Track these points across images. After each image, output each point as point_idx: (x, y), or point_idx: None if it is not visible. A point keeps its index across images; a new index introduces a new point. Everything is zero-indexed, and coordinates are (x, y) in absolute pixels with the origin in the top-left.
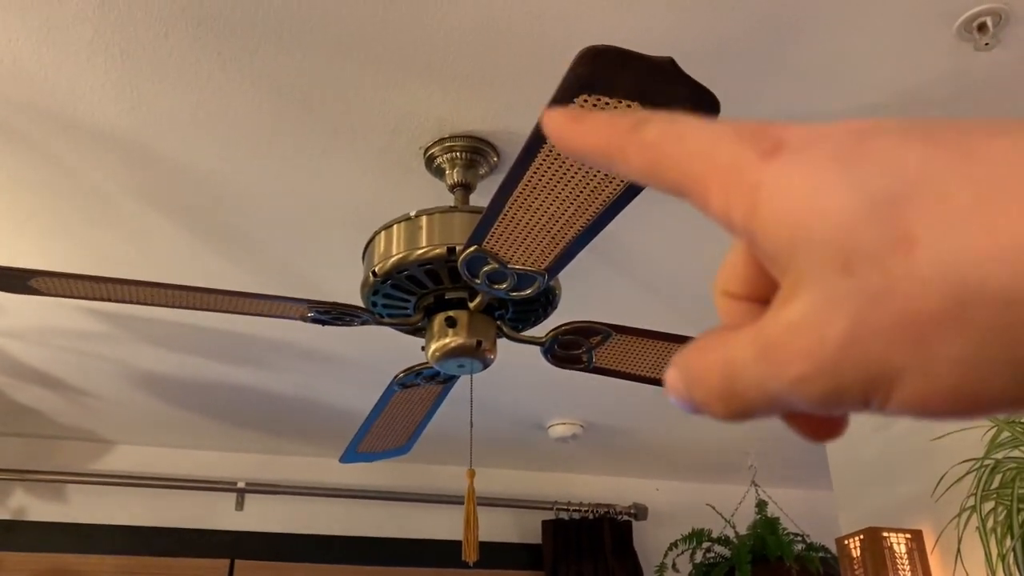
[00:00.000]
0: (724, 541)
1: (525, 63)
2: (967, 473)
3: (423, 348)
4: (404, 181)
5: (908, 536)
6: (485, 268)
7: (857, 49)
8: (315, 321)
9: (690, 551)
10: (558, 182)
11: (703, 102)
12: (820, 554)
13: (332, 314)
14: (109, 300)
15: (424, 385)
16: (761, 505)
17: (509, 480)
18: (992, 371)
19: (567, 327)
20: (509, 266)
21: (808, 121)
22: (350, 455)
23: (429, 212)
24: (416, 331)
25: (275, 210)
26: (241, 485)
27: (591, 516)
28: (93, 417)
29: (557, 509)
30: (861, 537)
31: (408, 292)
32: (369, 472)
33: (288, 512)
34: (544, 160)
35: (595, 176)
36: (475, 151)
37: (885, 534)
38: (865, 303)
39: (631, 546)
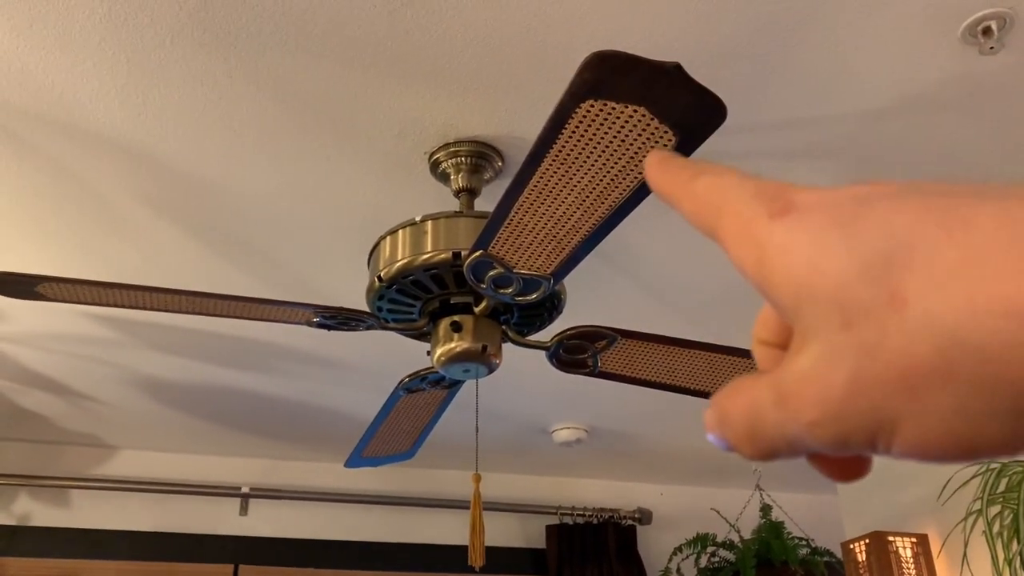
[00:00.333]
0: (729, 546)
1: (530, 68)
2: (973, 477)
3: (428, 353)
4: (409, 186)
5: (914, 540)
6: (491, 273)
7: (862, 53)
8: (320, 326)
9: (695, 556)
10: (564, 187)
11: (709, 106)
12: (825, 558)
13: (337, 319)
14: (115, 306)
15: (429, 390)
16: (766, 509)
17: (513, 485)
18: (980, 420)
19: (572, 331)
20: (515, 271)
21: (814, 125)
22: (355, 460)
23: (434, 217)
24: (421, 336)
25: (280, 215)
26: (245, 490)
27: (595, 521)
28: (97, 422)
29: (561, 514)
30: (867, 541)
31: (413, 297)
32: (374, 477)
33: (292, 517)
34: (549, 165)
35: (600, 181)
36: (480, 156)
37: (891, 538)
38: (863, 356)
39: (635, 551)
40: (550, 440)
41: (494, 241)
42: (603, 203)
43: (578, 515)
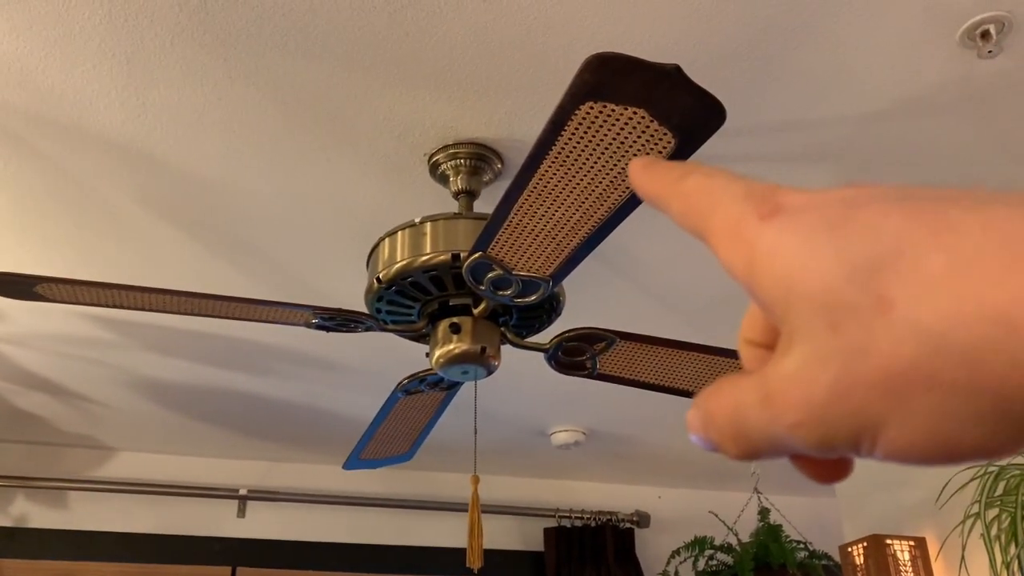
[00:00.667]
0: (727, 549)
1: (530, 70)
2: (971, 480)
3: (427, 355)
4: (408, 188)
5: (912, 543)
6: (490, 274)
7: (861, 56)
8: (319, 327)
9: (693, 559)
10: (563, 189)
11: (709, 109)
12: (823, 562)
13: (336, 320)
14: (113, 306)
15: (428, 392)
16: (764, 512)
17: (511, 487)
18: (964, 424)
19: (571, 333)
20: (514, 272)
21: (813, 127)
22: (353, 462)
23: (433, 219)
24: (420, 337)
25: (280, 216)
26: (243, 492)
27: (593, 523)
28: (95, 424)
29: (559, 516)
30: (865, 544)
31: (412, 298)
32: (372, 479)
33: (290, 519)
34: (549, 166)
35: (600, 183)
36: (479, 158)
37: (889, 541)
38: (849, 358)
39: (633, 554)
40: (548, 442)
41: (493, 243)
42: (602, 205)
43: (576, 518)
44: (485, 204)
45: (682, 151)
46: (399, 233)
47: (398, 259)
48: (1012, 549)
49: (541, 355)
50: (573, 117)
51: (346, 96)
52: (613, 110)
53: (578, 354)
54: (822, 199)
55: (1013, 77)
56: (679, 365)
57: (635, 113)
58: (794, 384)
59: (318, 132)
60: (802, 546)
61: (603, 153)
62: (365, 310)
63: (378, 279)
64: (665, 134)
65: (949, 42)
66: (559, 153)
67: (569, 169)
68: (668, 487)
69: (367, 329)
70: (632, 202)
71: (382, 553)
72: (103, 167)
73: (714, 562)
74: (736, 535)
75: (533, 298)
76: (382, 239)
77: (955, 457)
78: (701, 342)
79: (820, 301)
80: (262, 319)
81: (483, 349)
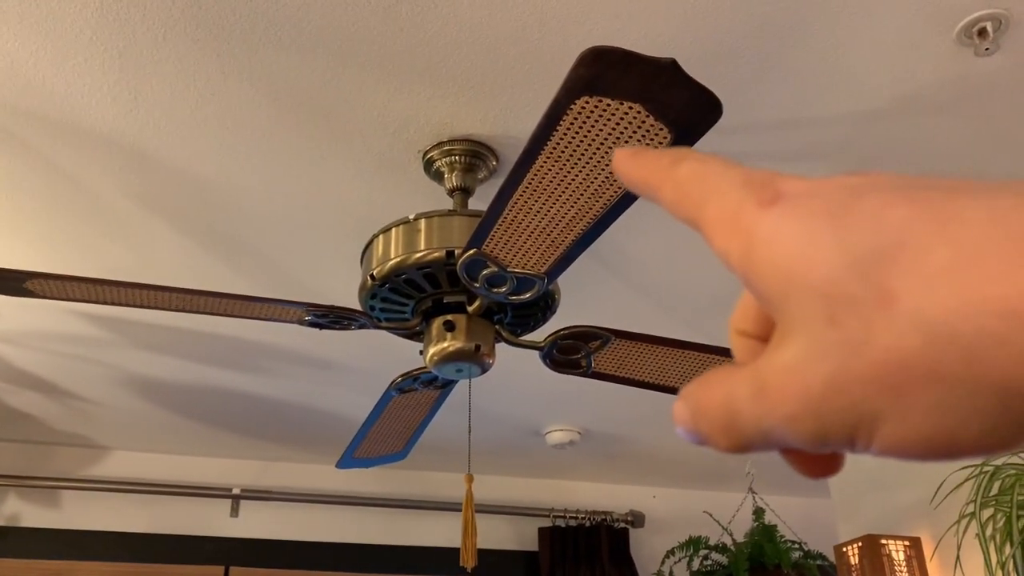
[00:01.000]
0: (721, 549)
1: (525, 67)
2: (966, 480)
3: (421, 352)
4: (403, 185)
5: (907, 543)
6: (484, 272)
7: (857, 53)
8: (312, 325)
9: (687, 559)
10: (558, 184)
11: (705, 103)
12: (818, 562)
13: (329, 318)
14: (104, 303)
15: (422, 390)
16: (759, 512)
17: (506, 487)
18: (963, 419)
19: (566, 331)
20: (508, 270)
21: (809, 125)
22: (347, 461)
23: (428, 215)
24: (414, 335)
25: (273, 213)
26: (236, 491)
27: (588, 523)
28: (87, 422)
29: (554, 516)
30: (859, 544)
31: (406, 296)
32: (366, 478)
33: (283, 519)
34: (544, 162)
35: (594, 180)
36: (474, 155)
37: (883, 541)
38: (848, 352)
39: (628, 554)
40: (543, 442)
41: (488, 239)
42: (598, 201)
43: (571, 517)
44: (480, 201)
45: (678, 146)
46: (393, 230)
47: (392, 256)
48: (1007, 549)
49: (536, 353)
50: (568, 112)
51: (340, 92)
52: (609, 105)
53: (573, 352)
54: (823, 187)
55: (1010, 75)
56: (674, 364)
57: (631, 108)
58: (790, 376)
59: (312, 128)
60: (797, 546)
61: (598, 149)
62: (359, 307)
63: (372, 276)
64: (661, 129)
65: (946, 40)
66: (554, 149)
67: (564, 165)
68: (663, 487)
69: (361, 327)
70: (628, 199)
71: (376, 552)
72: (95, 162)
73: (709, 562)
74: (731, 535)
75: (528, 295)
76: (376, 236)
77: (953, 453)
78: (697, 341)
79: (820, 292)
80: (255, 316)
81: (477, 347)
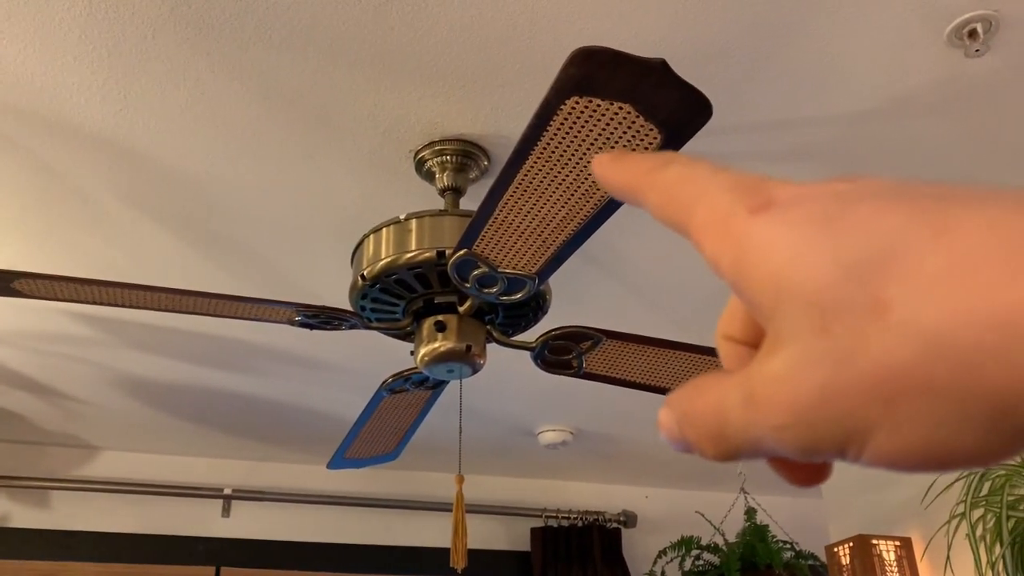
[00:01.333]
0: (713, 549)
1: (516, 66)
2: (956, 480)
3: (412, 353)
4: (394, 184)
5: (897, 543)
6: (475, 272)
7: (848, 54)
8: (303, 325)
9: (679, 559)
10: (548, 186)
11: (695, 104)
12: (809, 562)
13: (320, 318)
14: (93, 303)
15: (413, 390)
16: (750, 513)
17: (498, 487)
18: (956, 431)
19: (557, 332)
20: (499, 270)
21: (800, 126)
22: (337, 461)
23: (419, 215)
24: (405, 336)
25: (263, 212)
26: (227, 492)
27: (580, 523)
28: (78, 422)
29: (546, 516)
30: (850, 544)
31: (397, 296)
32: (357, 479)
33: (275, 519)
34: (534, 162)
35: (585, 180)
36: (466, 155)
37: (874, 541)
38: (840, 362)
39: (620, 554)
40: (535, 442)
41: (478, 240)
42: (588, 202)
43: (563, 518)
44: (471, 201)
45: (668, 147)
46: (384, 230)
47: (383, 256)
48: (997, 549)
49: (527, 354)
50: (559, 112)
51: (331, 91)
52: (599, 105)
53: (564, 353)
54: (815, 192)
55: (1001, 76)
56: (666, 364)
57: (621, 108)
58: (780, 386)
59: (302, 127)
60: (788, 546)
61: (589, 149)
62: (349, 308)
63: (362, 276)
64: (651, 130)
65: (937, 41)
66: (544, 149)
67: (555, 165)
68: (655, 487)
69: (351, 327)
70: (617, 201)
71: (367, 553)
72: (84, 161)
73: (701, 562)
74: (723, 535)
75: (519, 296)
76: (367, 236)
77: (944, 464)
78: (688, 341)
79: (812, 300)
80: (245, 316)
81: (468, 347)
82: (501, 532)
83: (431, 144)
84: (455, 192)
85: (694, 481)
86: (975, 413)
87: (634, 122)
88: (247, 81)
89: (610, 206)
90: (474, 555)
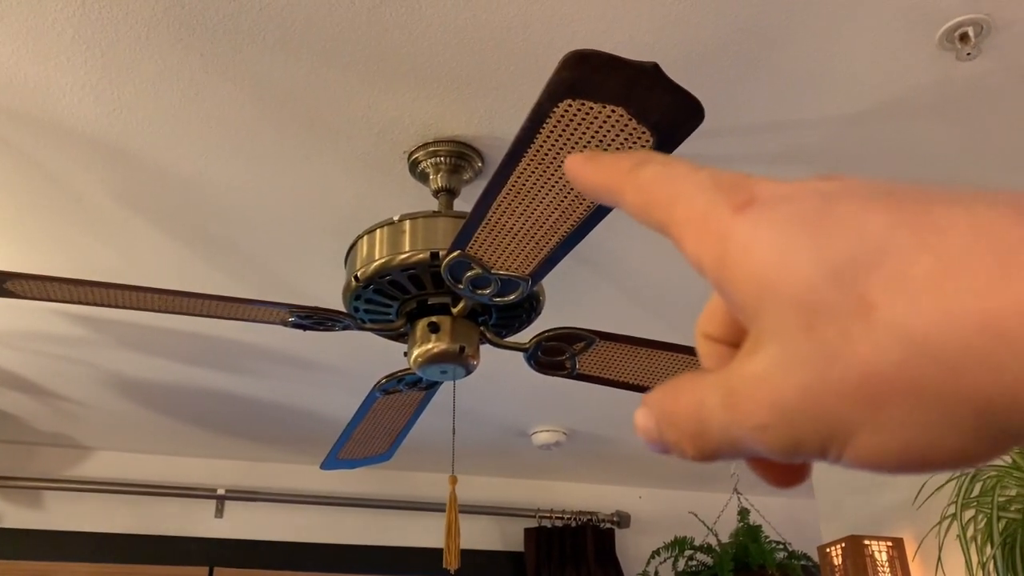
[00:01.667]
0: (707, 549)
1: (510, 68)
2: (948, 481)
3: (405, 354)
4: (388, 186)
5: (889, 544)
6: (468, 273)
7: (841, 57)
8: (296, 326)
9: (672, 559)
10: (542, 187)
11: (687, 107)
12: (802, 562)
13: (313, 319)
14: (87, 303)
15: (406, 391)
16: (743, 513)
17: (492, 488)
18: (940, 434)
19: (551, 333)
20: (493, 271)
21: (792, 128)
22: (331, 462)
23: (412, 217)
24: (398, 336)
25: (257, 213)
26: (221, 492)
27: (574, 524)
28: (71, 423)
29: (540, 517)
30: (843, 545)
31: (390, 297)
32: (350, 479)
33: (268, 519)
34: (528, 165)
35: None
36: (459, 156)
37: (866, 542)
38: (824, 362)
39: (614, 554)
40: (529, 443)
41: (472, 241)
42: (581, 204)
43: (556, 518)
44: (465, 202)
45: (661, 150)
46: (378, 231)
47: (376, 257)
48: (988, 550)
49: (521, 355)
50: (551, 115)
51: (325, 92)
52: (591, 108)
53: (557, 354)
54: (797, 191)
55: (991, 79)
56: (659, 365)
57: (613, 111)
58: (762, 386)
59: (296, 128)
60: (781, 547)
61: (582, 151)
62: (343, 308)
63: (356, 277)
64: (644, 132)
65: (928, 44)
66: (537, 151)
67: (548, 167)
68: (649, 487)
69: (345, 328)
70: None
71: (360, 553)
72: (77, 161)
73: (694, 563)
74: (716, 536)
75: (512, 297)
76: (360, 237)
77: (926, 466)
78: (681, 342)
79: (797, 301)
80: (239, 317)
81: (462, 348)
82: (495, 532)
83: (425, 145)
84: (449, 193)
85: (687, 481)
86: (960, 416)
87: (627, 125)
88: (241, 82)
89: (603, 208)
90: (468, 555)
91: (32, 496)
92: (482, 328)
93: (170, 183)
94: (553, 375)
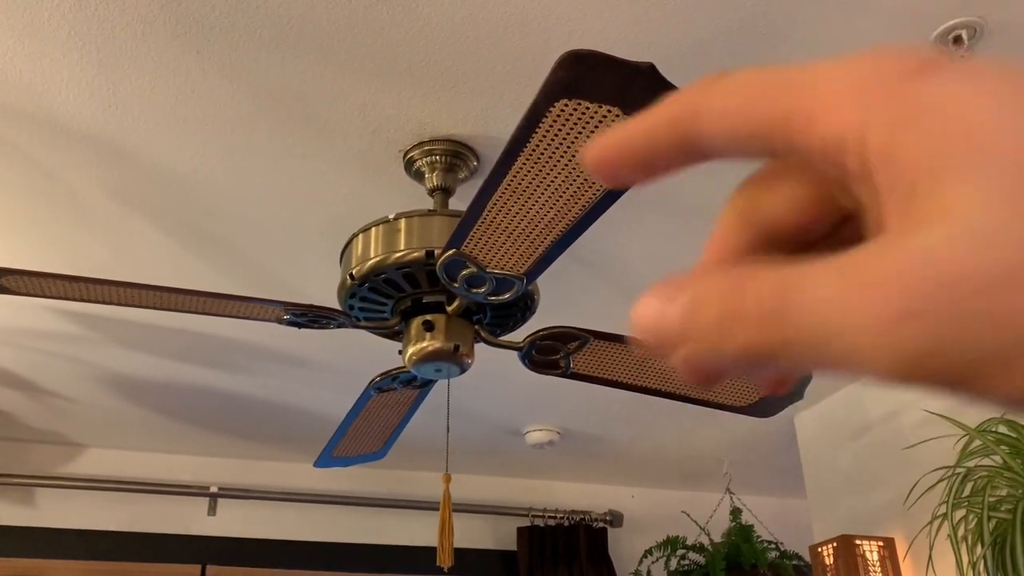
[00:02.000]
0: (699, 548)
1: (506, 68)
2: (939, 481)
3: (400, 352)
4: (383, 184)
5: (880, 544)
6: (464, 272)
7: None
8: (291, 323)
9: (665, 558)
10: (537, 186)
11: None
12: (794, 562)
13: (308, 316)
14: (81, 300)
15: (401, 389)
16: (736, 513)
17: (485, 487)
18: None
19: (545, 332)
20: (488, 270)
21: None
22: (325, 459)
23: (408, 215)
24: (393, 335)
25: (252, 211)
26: (214, 490)
27: (567, 523)
28: (63, 420)
29: (532, 516)
30: (834, 545)
31: (385, 295)
32: (344, 477)
33: (261, 518)
34: (523, 164)
35: (574, 181)
36: (455, 155)
37: (858, 542)
38: None
39: (606, 553)
40: (523, 442)
41: (467, 240)
42: (576, 203)
43: (549, 517)
44: (460, 201)
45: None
46: (373, 229)
47: (372, 256)
48: (978, 550)
49: (515, 354)
50: (547, 114)
51: (321, 90)
52: (587, 108)
53: (552, 353)
54: (974, 65)
55: None
56: (652, 364)
57: (609, 111)
58: (931, 261)
59: (292, 126)
60: (773, 546)
61: (577, 151)
62: (338, 307)
63: (351, 275)
64: None
65: (923, 47)
66: (533, 151)
67: (543, 167)
68: (641, 487)
69: (339, 326)
70: (606, 201)
71: (354, 552)
72: (72, 158)
73: (686, 562)
74: (708, 535)
75: (507, 296)
76: (356, 235)
77: None
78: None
79: (1014, 165)
80: (234, 314)
81: (456, 347)
82: (487, 531)
83: (420, 144)
84: (444, 192)
85: (680, 481)
86: None
87: None
88: (237, 79)
89: (598, 207)
90: (461, 554)
91: (24, 493)
92: (477, 327)
93: (165, 180)
94: (547, 374)
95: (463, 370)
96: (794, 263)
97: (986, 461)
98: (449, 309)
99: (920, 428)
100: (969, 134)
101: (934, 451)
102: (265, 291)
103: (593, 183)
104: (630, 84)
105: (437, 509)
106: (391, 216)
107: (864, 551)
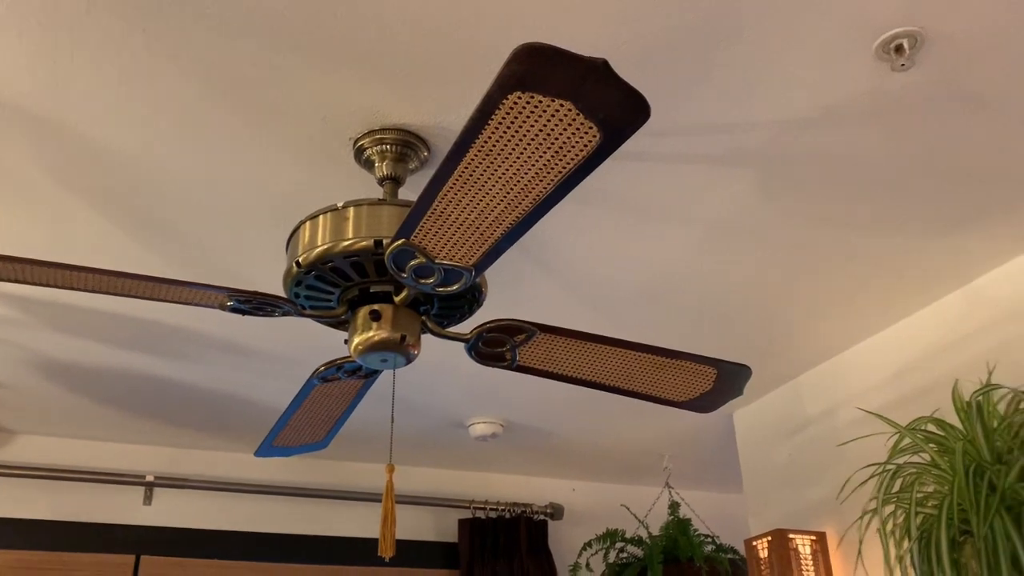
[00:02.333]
0: (637, 542)
1: (460, 59)
2: (870, 478)
3: (346, 341)
4: (332, 172)
5: (813, 538)
6: (412, 262)
7: (783, 64)
8: (235, 310)
9: (604, 551)
10: (488, 178)
11: (634, 105)
12: (729, 555)
13: (252, 303)
14: (14, 281)
15: (345, 379)
16: (674, 506)
17: (427, 478)
18: None
19: (492, 324)
20: (436, 261)
21: (734, 130)
22: (266, 449)
23: (357, 204)
24: (339, 324)
25: (197, 195)
26: (150, 479)
27: (508, 515)
28: None
29: (474, 508)
30: (769, 539)
31: (332, 284)
32: (283, 468)
33: (198, 507)
34: (475, 156)
35: (525, 174)
36: (406, 144)
37: (791, 536)
38: None
39: (546, 545)
40: (466, 434)
41: (416, 230)
42: (527, 196)
43: (491, 509)
44: (410, 191)
45: (606, 146)
46: (321, 217)
47: (319, 243)
48: (905, 543)
49: (461, 345)
50: (500, 107)
51: (271, 75)
52: (540, 101)
53: (498, 345)
54: None
55: (924, 90)
56: (598, 359)
57: (562, 105)
58: None
59: (240, 110)
60: (710, 540)
61: (528, 144)
62: (283, 294)
63: (297, 263)
64: (590, 128)
65: (866, 54)
66: (485, 142)
67: (495, 159)
68: (582, 480)
69: (284, 314)
70: (556, 195)
71: (294, 542)
72: (10, 136)
73: (624, 555)
74: (647, 528)
75: (455, 287)
76: (303, 223)
77: None
78: (620, 336)
79: None
80: (175, 300)
81: (403, 337)
82: (429, 523)
83: (371, 132)
84: (394, 181)
85: (620, 475)
86: None
87: (574, 120)
88: (185, 61)
89: (547, 202)
90: (401, 545)
91: None
92: (424, 318)
93: (108, 160)
94: (493, 366)
95: (409, 361)
96: None
97: (915, 458)
98: (396, 299)
99: (854, 426)
100: None
101: (867, 448)
102: (209, 277)
103: (544, 177)
104: (583, 79)
105: (378, 500)
106: (340, 204)
107: (797, 545)
